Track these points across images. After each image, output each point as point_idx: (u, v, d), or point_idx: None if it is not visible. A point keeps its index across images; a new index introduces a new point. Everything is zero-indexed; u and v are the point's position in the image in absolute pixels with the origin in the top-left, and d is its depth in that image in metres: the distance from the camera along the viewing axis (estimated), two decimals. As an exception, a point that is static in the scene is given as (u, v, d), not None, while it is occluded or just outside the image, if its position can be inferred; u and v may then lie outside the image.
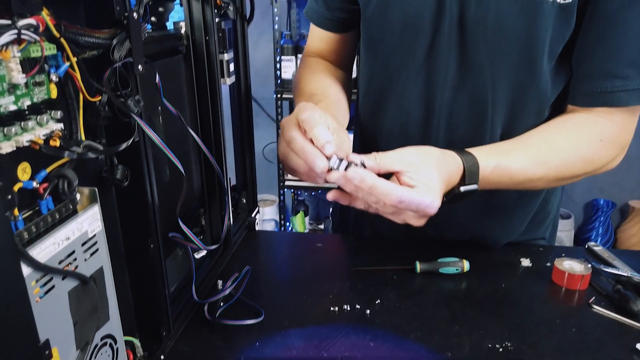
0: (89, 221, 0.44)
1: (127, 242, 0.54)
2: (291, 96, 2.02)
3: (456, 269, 0.75)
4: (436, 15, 0.70)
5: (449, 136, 0.77)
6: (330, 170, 0.59)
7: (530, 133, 0.73)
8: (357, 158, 0.60)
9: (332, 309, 0.68)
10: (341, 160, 0.59)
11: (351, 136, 1.01)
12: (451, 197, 0.66)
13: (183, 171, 0.57)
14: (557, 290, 0.73)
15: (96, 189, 0.45)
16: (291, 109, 2.33)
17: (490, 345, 0.61)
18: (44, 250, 0.38)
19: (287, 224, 2.56)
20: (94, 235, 0.45)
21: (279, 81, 2.20)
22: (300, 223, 2.37)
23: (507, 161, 0.68)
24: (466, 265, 0.76)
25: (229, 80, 0.79)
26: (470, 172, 0.65)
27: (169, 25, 0.68)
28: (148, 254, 0.55)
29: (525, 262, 0.79)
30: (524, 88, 0.72)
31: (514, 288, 0.73)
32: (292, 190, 2.52)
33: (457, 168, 0.65)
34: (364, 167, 0.60)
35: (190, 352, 0.60)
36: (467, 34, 0.70)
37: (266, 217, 2.50)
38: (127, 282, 0.55)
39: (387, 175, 0.61)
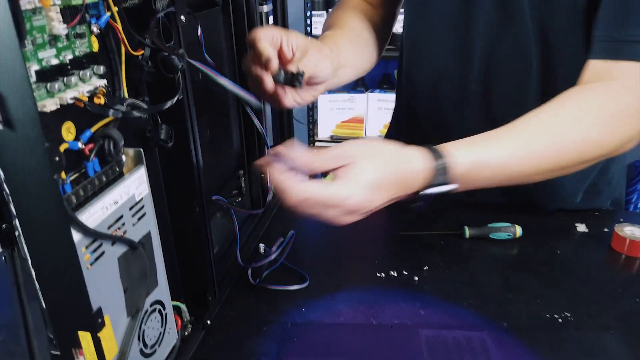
0: (136, 184, 0.42)
1: (171, 205, 0.52)
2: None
3: (508, 235, 0.72)
4: None
5: (488, 92, 0.72)
6: (277, 83, 0.56)
7: (525, 116, 0.58)
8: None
9: (378, 274, 0.65)
10: (287, 73, 0.56)
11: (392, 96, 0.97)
12: (421, 199, 0.54)
13: (260, 103, 0.56)
14: (617, 258, 0.69)
15: (142, 150, 0.42)
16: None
17: (548, 316, 0.58)
18: (93, 215, 0.36)
19: (316, 184, 2.54)
20: (141, 199, 0.42)
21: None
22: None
23: (488, 154, 0.54)
24: (519, 230, 0.72)
25: (269, 34, 0.74)
26: (438, 170, 0.52)
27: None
28: (193, 218, 0.52)
29: (581, 228, 0.75)
30: (568, 35, 0.65)
31: (571, 255, 0.69)
32: (322, 150, 2.48)
33: (420, 166, 0.52)
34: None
35: (236, 316, 0.59)
36: None
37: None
38: (173, 246, 0.53)
39: None
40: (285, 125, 0.90)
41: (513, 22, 0.67)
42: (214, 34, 0.65)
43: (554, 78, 0.69)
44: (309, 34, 2.12)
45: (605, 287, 0.63)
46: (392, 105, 0.94)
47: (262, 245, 0.71)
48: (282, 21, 0.79)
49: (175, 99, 0.45)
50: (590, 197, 0.81)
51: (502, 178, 0.56)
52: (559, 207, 0.80)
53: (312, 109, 2.26)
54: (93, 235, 0.36)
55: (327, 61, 0.62)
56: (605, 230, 0.74)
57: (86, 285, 0.35)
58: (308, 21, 2.10)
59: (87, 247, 0.36)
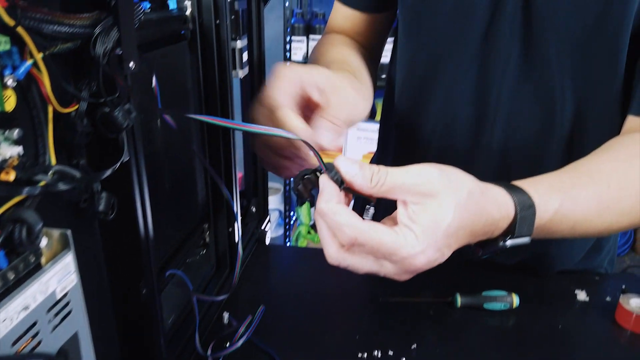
0: (59, 277, 0.32)
1: (115, 285, 0.43)
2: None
3: (504, 305, 0.64)
4: None
5: (504, 141, 0.65)
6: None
7: (591, 160, 0.53)
8: (345, 165, 0.42)
9: (359, 355, 0.57)
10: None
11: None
12: (489, 250, 0.47)
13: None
14: (623, 334, 0.62)
15: (68, 233, 0.33)
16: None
17: (555, 412, 0.50)
18: (-11, 333, 0.27)
19: (292, 214, 2.45)
20: (65, 294, 0.33)
21: (288, 64, 2.07)
22: (305, 214, 2.26)
23: (571, 202, 0.47)
24: (516, 300, 0.64)
25: (242, 73, 0.66)
26: (523, 220, 0.44)
27: (171, 3, 0.56)
28: (139, 300, 0.43)
29: (582, 296, 0.68)
30: (600, 83, 0.60)
31: (573, 329, 0.62)
32: (298, 178, 2.40)
33: (502, 213, 0.44)
34: (340, 182, 0.42)
35: (191, 411, 0.50)
36: (534, 17, 0.58)
37: (270, 206, 2.38)
38: (115, 334, 0.44)
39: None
40: (258, 166, 0.82)
41: (537, 66, 0.60)
42: (179, 72, 0.56)
43: (583, 129, 0.62)
44: (288, 59, 2.05)
45: (614, 373, 0.56)
46: (372, 135, 0.87)
47: (226, 315, 0.61)
48: (257, 58, 0.72)
49: (119, 163, 0.37)
50: (591, 255, 0.75)
51: (573, 233, 0.49)
52: (559, 269, 0.73)
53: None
54: (-15, 363, 0.27)
55: (360, 98, 0.53)
56: (608, 299, 0.68)
57: None
58: (287, 46, 2.04)
59: (-23, 378, 0.27)
